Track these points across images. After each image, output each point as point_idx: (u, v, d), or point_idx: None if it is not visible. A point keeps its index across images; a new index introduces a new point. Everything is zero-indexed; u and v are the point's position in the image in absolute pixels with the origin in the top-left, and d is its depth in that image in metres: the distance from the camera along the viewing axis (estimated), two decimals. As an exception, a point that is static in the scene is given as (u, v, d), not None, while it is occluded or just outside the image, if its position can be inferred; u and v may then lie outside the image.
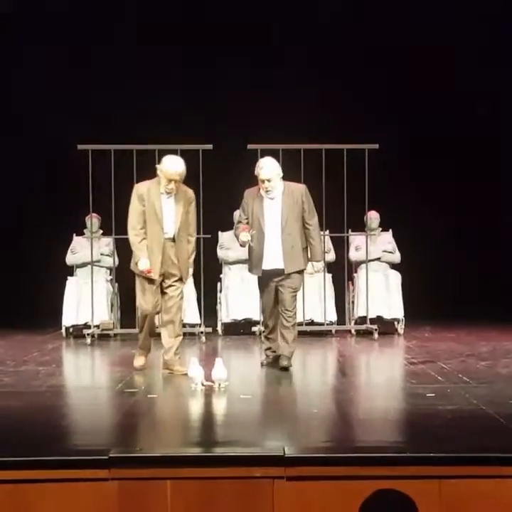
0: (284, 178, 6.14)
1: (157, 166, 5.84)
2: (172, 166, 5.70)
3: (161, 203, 5.73)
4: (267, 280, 6.02)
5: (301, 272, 6.09)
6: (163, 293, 5.86)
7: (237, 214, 8.39)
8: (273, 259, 5.94)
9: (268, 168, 5.95)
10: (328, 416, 4.49)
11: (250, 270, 6.14)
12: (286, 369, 5.88)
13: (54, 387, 5.35)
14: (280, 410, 4.71)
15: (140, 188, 5.79)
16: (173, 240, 5.78)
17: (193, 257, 5.99)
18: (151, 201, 5.71)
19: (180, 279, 5.87)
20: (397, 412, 4.66)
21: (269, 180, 5.90)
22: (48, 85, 9.33)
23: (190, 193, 5.90)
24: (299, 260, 5.99)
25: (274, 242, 5.93)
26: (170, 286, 5.83)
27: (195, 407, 4.85)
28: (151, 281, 5.77)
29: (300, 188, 6.04)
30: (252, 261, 6.04)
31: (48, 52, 9.24)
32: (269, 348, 6.18)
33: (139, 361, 6.01)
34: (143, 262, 5.73)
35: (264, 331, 6.31)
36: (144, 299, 5.82)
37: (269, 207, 5.95)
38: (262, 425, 4.34)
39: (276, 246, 5.92)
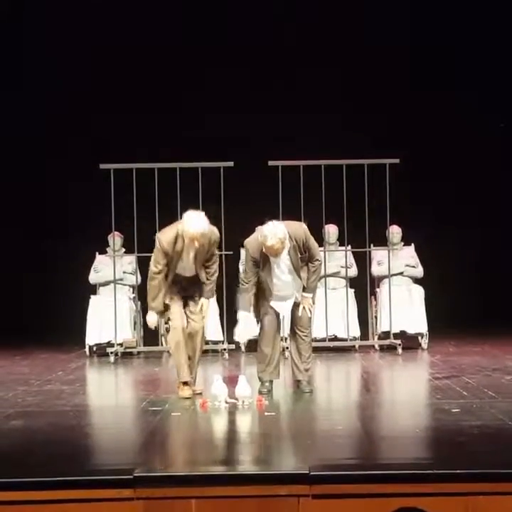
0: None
1: (179, 224, 5.65)
2: (192, 225, 5.52)
3: (183, 253, 5.64)
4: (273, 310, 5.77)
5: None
6: (187, 315, 5.83)
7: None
8: (282, 304, 5.77)
9: (275, 237, 5.49)
10: (352, 433, 4.46)
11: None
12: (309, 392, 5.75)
13: (78, 407, 5.36)
14: (305, 427, 4.69)
15: (165, 242, 5.64)
16: (193, 277, 5.75)
17: (213, 278, 5.83)
18: (174, 257, 5.64)
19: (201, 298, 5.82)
20: (423, 428, 4.62)
21: (276, 256, 5.57)
22: (70, 106, 9.43)
23: (215, 235, 5.73)
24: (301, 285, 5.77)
25: (284, 293, 5.73)
26: (192, 309, 5.81)
27: (220, 425, 4.84)
28: (174, 301, 5.75)
29: (299, 233, 5.67)
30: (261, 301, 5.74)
31: (67, 73, 9.35)
32: (266, 379, 5.80)
33: (183, 392, 5.65)
34: (150, 317, 5.79)
35: (261, 369, 5.76)
36: (174, 324, 5.76)
37: (276, 266, 5.66)
38: (286, 443, 4.31)
39: (287, 295, 5.74)
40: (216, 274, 5.90)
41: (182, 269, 5.73)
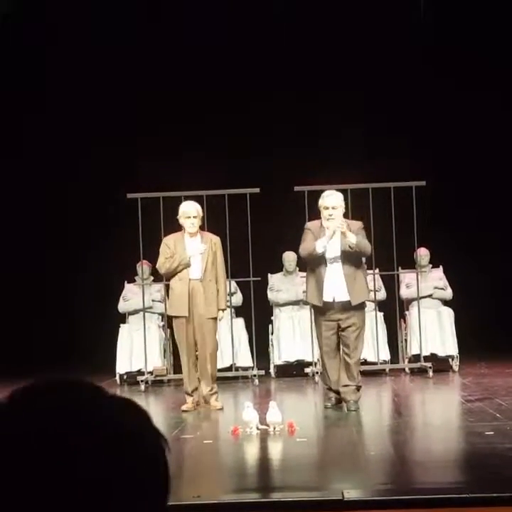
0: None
1: (178, 218, 6.37)
2: (186, 204, 6.37)
3: (186, 248, 6.15)
4: (327, 318, 5.94)
5: (363, 308, 6.07)
6: (198, 333, 6.18)
7: (286, 255, 8.45)
8: (335, 290, 5.89)
9: (334, 195, 6.07)
10: (386, 457, 4.43)
11: (310, 300, 6.11)
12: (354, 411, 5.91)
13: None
14: (337, 453, 4.67)
15: (166, 239, 6.37)
16: (201, 281, 6.13)
17: (223, 297, 6.25)
18: (177, 248, 6.17)
19: (213, 319, 6.17)
20: (456, 452, 4.58)
21: (334, 208, 5.92)
22: (93, 136, 9.53)
23: (216, 238, 6.35)
24: (363, 292, 5.99)
25: (336, 274, 5.91)
26: (201, 326, 6.12)
27: (252, 452, 4.83)
28: (182, 321, 6.12)
29: (356, 224, 6.12)
30: (312, 290, 6.01)
31: (83, 109, 9.47)
32: (331, 395, 6.06)
33: (185, 405, 6.19)
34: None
35: (329, 380, 6.02)
36: (179, 339, 6.20)
37: (328, 249, 5.92)
38: (319, 468, 4.30)
39: (338, 278, 5.89)
40: (225, 295, 6.34)
41: (192, 269, 6.11)
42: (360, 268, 6.05)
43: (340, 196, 6.08)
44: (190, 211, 6.21)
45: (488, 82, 9.32)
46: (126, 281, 8.53)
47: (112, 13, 9.14)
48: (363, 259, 6.22)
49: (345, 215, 6.42)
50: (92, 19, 9.11)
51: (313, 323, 6.21)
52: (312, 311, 6.50)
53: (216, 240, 6.32)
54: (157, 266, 6.39)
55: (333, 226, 5.84)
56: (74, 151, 9.59)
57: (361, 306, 6.00)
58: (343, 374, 5.97)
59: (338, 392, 5.99)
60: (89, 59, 9.30)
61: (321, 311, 5.97)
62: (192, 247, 6.16)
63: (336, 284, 5.88)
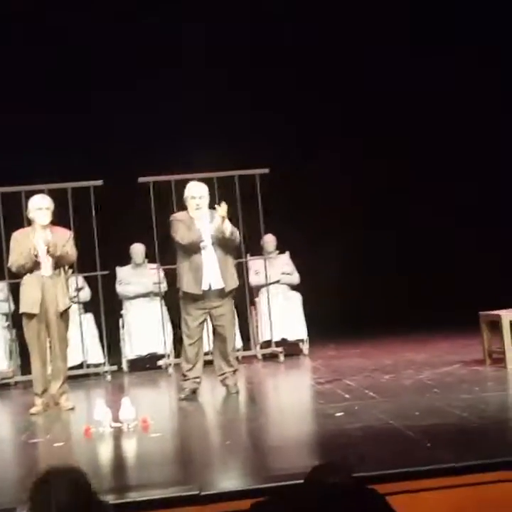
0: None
1: (27, 213, 6.21)
2: (37, 196, 6.20)
3: (36, 245, 5.96)
4: (199, 306, 5.96)
5: (233, 295, 6.14)
6: (50, 331, 6.03)
7: (134, 247, 8.33)
8: (210, 278, 5.95)
9: (199, 185, 6.13)
10: (241, 446, 4.45)
11: (186, 288, 5.97)
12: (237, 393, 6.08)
13: (-47, 445, 5.10)
14: (193, 445, 4.65)
15: (16, 235, 6.15)
16: (51, 278, 5.98)
17: (68, 278, 6.24)
18: (27, 244, 5.96)
19: (65, 314, 6.05)
20: (308, 435, 4.67)
21: (200, 198, 6.02)
22: None
23: (66, 231, 6.23)
24: (234, 279, 6.09)
25: (211, 261, 5.97)
26: (53, 323, 5.99)
27: (105, 452, 4.72)
28: (33, 319, 5.95)
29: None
30: (188, 279, 5.95)
31: None
32: (186, 386, 6.07)
33: (34, 408, 6.01)
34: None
35: (187, 369, 6.06)
36: (30, 338, 6.02)
37: (201, 226, 6.01)
38: (175, 463, 4.25)
39: (213, 265, 5.96)
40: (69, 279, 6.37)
41: (43, 266, 5.95)
42: (229, 255, 6.11)
43: (205, 186, 6.16)
44: (42, 203, 6.05)
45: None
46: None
47: None
48: None
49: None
50: None
51: (182, 312, 6.08)
52: (178, 300, 6.37)
53: (67, 231, 6.22)
54: (9, 264, 6.14)
55: (221, 211, 5.89)
56: None
57: (231, 293, 6.09)
58: (221, 362, 6.10)
59: (196, 381, 6.03)
60: None
61: (192, 299, 5.95)
62: (42, 241, 5.97)
63: (212, 271, 5.95)
